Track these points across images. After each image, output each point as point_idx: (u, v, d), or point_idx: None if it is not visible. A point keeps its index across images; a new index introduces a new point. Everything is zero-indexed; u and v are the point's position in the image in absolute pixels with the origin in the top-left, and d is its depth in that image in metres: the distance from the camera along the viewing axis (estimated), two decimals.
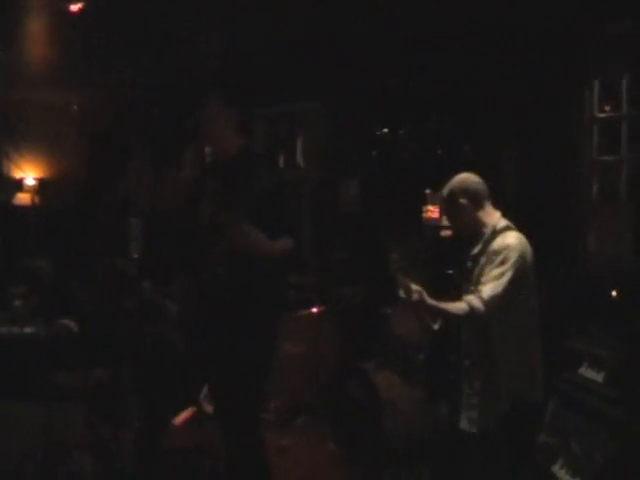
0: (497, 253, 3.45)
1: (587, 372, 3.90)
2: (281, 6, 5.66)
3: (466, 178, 3.69)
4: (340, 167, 7.15)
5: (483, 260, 3.51)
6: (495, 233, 3.57)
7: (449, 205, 3.68)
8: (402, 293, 3.44)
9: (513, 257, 3.42)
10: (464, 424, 3.60)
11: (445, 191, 3.69)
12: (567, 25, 5.29)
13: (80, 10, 5.77)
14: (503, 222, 3.64)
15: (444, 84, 6.24)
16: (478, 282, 3.47)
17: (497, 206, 3.83)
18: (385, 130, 7.04)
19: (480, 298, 3.35)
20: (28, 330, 5.75)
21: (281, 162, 8.06)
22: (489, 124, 6.01)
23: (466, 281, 3.63)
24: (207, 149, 3.97)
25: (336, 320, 5.92)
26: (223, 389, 3.78)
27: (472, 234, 3.66)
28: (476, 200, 3.63)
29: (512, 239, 3.50)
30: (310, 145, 7.75)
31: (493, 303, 3.35)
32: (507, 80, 5.87)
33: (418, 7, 5.51)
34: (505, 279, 3.39)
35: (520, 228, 3.80)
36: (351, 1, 5.49)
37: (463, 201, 3.61)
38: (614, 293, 4.29)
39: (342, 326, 5.92)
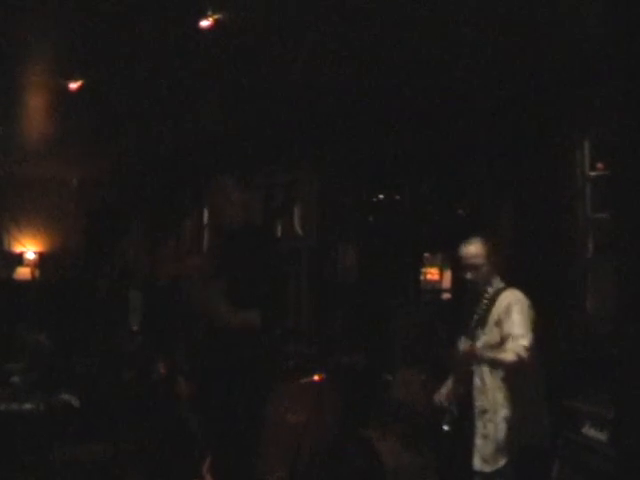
0: (511, 305, 3.88)
1: (590, 432, 3.87)
2: (276, 76, 5.77)
3: (482, 241, 4.11)
4: (337, 234, 7.19)
5: (495, 315, 3.91)
6: (499, 291, 4.01)
7: (471, 265, 4.03)
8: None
9: (526, 308, 3.88)
10: (477, 464, 3.87)
11: (469, 252, 4.06)
12: (555, 86, 5.38)
13: (79, 88, 5.86)
14: (501, 282, 4.08)
15: (438, 149, 6.31)
16: (491, 331, 3.87)
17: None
18: (381, 196, 7.10)
19: (521, 346, 3.69)
20: (27, 406, 5.68)
21: (279, 230, 8.11)
22: (483, 187, 6.06)
23: (471, 337, 3.98)
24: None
25: (337, 388, 5.86)
26: (219, 460, 3.80)
27: (483, 292, 4.06)
28: (492, 261, 4.06)
29: (519, 293, 3.98)
30: (307, 213, 7.80)
31: (531, 348, 3.71)
32: (499, 143, 5.94)
33: (412, 73, 5.61)
34: (529, 325, 3.81)
35: (516, 287, 3.92)
36: (345, 69, 5.59)
37: (489, 261, 4.03)
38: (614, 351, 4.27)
39: (343, 394, 5.86)
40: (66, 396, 5.70)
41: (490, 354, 3.82)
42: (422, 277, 6.66)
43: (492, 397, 3.89)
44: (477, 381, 3.98)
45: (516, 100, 5.68)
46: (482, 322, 3.97)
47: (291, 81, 5.77)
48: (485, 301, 4.01)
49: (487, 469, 3.84)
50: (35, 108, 7.06)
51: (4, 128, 7.21)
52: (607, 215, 5.29)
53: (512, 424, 3.81)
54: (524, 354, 3.67)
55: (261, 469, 4.16)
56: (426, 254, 6.59)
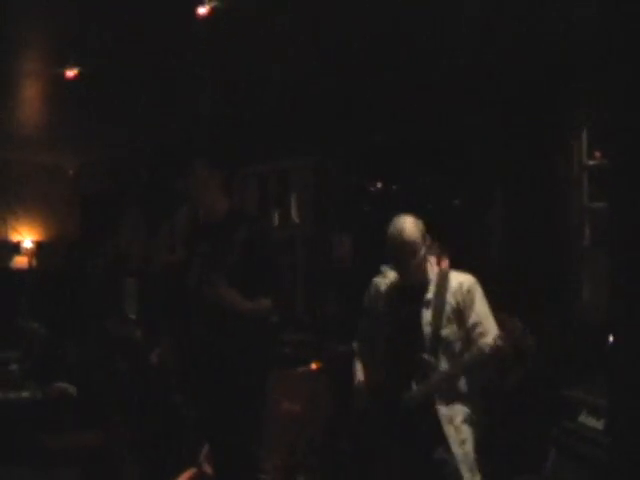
0: (470, 290, 3.47)
1: (587, 420, 3.86)
2: (272, 64, 5.76)
3: (416, 220, 3.54)
4: (333, 223, 7.19)
5: (453, 302, 3.44)
6: (443, 274, 3.56)
7: (411, 249, 3.44)
8: None
9: (481, 289, 3.50)
10: (468, 476, 3.39)
11: (408, 234, 3.45)
12: (552, 75, 5.37)
13: (76, 76, 5.85)
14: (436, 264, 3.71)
15: (433, 138, 6.30)
16: (451, 322, 3.43)
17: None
18: (378, 185, 7.09)
19: (494, 334, 3.39)
20: (24, 394, 5.70)
21: (275, 219, 8.11)
22: (478, 175, 6.05)
23: (426, 325, 3.47)
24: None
25: (333, 377, 5.87)
26: (217, 449, 3.79)
27: (421, 279, 3.54)
28: (428, 242, 3.55)
29: (469, 274, 3.56)
30: (303, 201, 7.80)
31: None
32: (496, 131, 5.94)
33: (408, 64, 5.60)
34: (489, 311, 3.47)
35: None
36: (342, 58, 5.58)
37: (426, 243, 3.50)
38: (611, 339, 4.27)
39: (339, 383, 5.87)
40: (62, 384, 5.71)
41: (467, 363, 3.42)
42: None
43: (457, 393, 3.48)
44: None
45: (514, 88, 5.67)
46: (436, 310, 3.47)
47: (289, 68, 5.76)
48: (432, 289, 3.51)
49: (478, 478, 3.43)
50: (31, 95, 7.04)
51: (0, 117, 7.20)
52: (604, 204, 5.30)
53: (478, 415, 3.49)
54: (499, 341, 3.34)
55: (258, 457, 4.17)
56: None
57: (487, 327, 3.43)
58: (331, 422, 5.63)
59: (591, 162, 5.45)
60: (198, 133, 6.94)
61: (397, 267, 3.58)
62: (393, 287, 3.67)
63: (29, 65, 6.17)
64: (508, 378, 4.30)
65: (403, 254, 3.46)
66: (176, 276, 4.05)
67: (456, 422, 3.42)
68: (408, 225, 3.48)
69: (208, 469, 5.25)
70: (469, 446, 3.42)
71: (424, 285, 3.53)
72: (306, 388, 5.69)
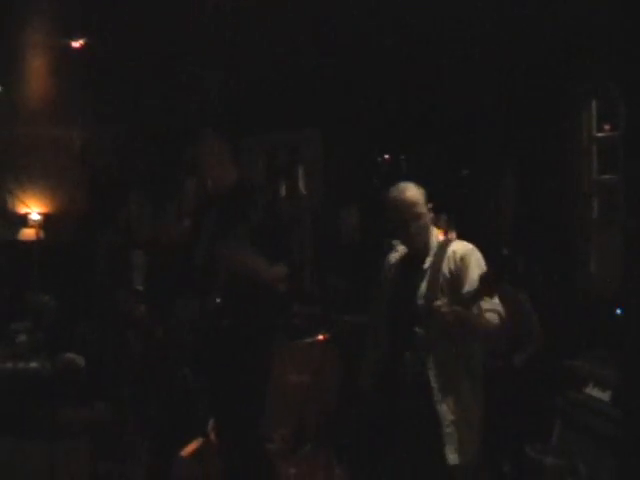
0: (467, 258, 3.28)
1: (593, 391, 3.88)
2: (280, 36, 5.72)
3: (418, 186, 3.38)
4: (341, 194, 7.17)
5: (446, 271, 3.28)
6: (443, 244, 3.39)
7: (413, 210, 3.30)
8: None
9: (482, 260, 3.30)
10: (454, 458, 3.19)
11: (410, 194, 3.31)
12: (563, 47, 5.33)
13: (82, 46, 5.83)
14: (440, 234, 3.52)
15: (444, 109, 6.27)
16: (445, 293, 3.22)
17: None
18: (386, 156, 7.07)
19: (499, 305, 3.19)
20: (33, 365, 5.74)
21: (282, 190, 8.10)
22: (487, 147, 6.03)
23: (420, 297, 3.30)
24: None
25: (340, 347, 5.89)
26: (223, 416, 3.83)
27: (423, 248, 3.38)
28: (431, 210, 3.40)
29: (469, 244, 3.38)
30: (311, 173, 7.78)
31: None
32: (505, 103, 5.91)
33: (417, 35, 5.57)
34: None
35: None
36: (349, 30, 5.54)
37: (429, 211, 3.36)
38: (618, 311, 4.28)
39: (346, 353, 5.90)
40: (71, 355, 5.74)
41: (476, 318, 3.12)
42: None
43: (453, 372, 3.28)
44: (435, 361, 3.26)
45: (523, 60, 5.63)
46: (432, 284, 3.30)
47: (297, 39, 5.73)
48: (429, 259, 3.35)
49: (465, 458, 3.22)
50: (37, 67, 7.00)
51: (6, 87, 7.16)
52: (613, 176, 5.28)
53: (477, 397, 3.32)
54: (504, 315, 3.16)
55: (265, 428, 4.20)
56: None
57: (491, 299, 3.16)
58: (339, 391, 5.67)
59: (600, 134, 5.42)
60: (205, 105, 6.92)
61: (398, 231, 3.42)
62: (400, 259, 3.58)
63: (35, 37, 6.13)
64: (519, 354, 4.32)
65: (404, 215, 3.31)
66: (183, 249, 4.05)
67: (449, 401, 3.24)
68: (410, 187, 3.35)
69: (215, 439, 5.29)
70: (457, 427, 3.23)
71: (424, 255, 3.38)
72: (314, 358, 5.71)
